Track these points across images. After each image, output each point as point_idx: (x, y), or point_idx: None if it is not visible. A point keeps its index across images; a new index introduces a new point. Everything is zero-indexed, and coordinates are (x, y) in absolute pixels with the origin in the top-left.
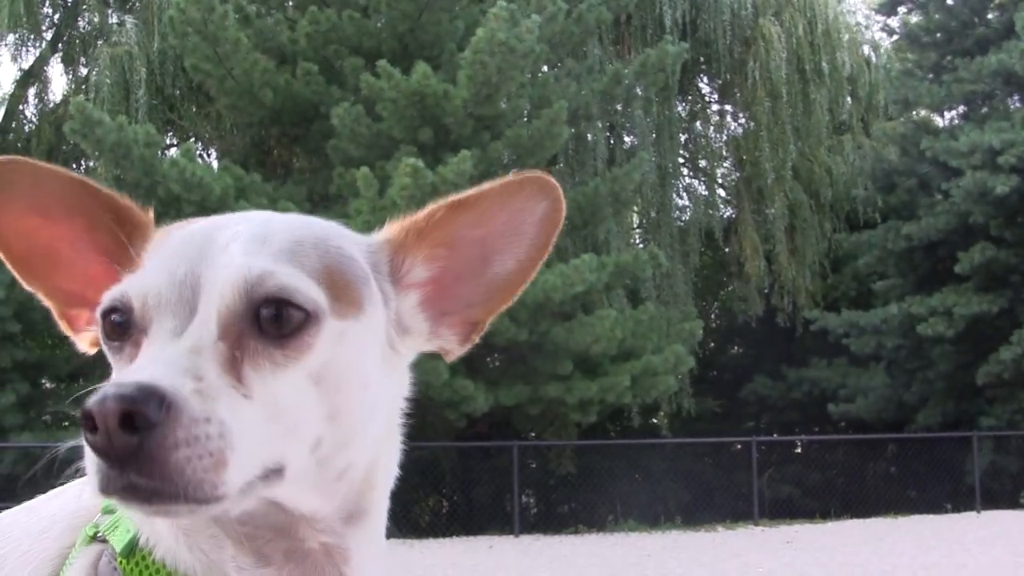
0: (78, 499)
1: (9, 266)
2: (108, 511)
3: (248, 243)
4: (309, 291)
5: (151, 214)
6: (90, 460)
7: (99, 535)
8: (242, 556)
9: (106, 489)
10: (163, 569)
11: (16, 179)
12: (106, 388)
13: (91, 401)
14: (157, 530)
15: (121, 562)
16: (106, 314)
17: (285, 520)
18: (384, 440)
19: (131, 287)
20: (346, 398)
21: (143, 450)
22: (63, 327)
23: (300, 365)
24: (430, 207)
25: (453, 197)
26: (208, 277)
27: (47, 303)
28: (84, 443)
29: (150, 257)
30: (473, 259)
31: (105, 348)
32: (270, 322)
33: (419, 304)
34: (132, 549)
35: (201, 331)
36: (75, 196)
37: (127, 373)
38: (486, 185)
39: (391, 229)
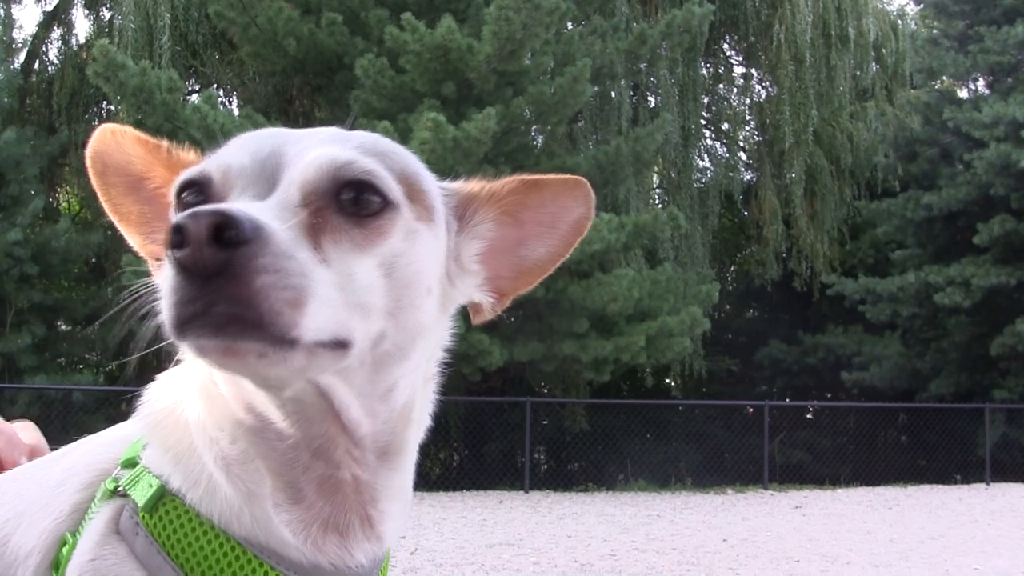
0: (94, 453)
1: (116, 224)
2: (128, 464)
3: (331, 136)
4: (389, 181)
5: None
6: (169, 287)
7: (119, 489)
8: (278, 492)
9: (181, 316)
10: (195, 517)
11: (111, 147)
12: (194, 208)
13: (181, 216)
14: (194, 472)
15: (143, 517)
16: (181, 190)
17: (325, 433)
18: (424, 382)
19: (211, 163)
20: (412, 297)
21: (230, 267)
22: (154, 274)
23: (375, 249)
24: (505, 179)
25: (525, 176)
26: (293, 156)
27: (142, 253)
28: (164, 270)
29: (224, 148)
30: (512, 236)
31: None
32: (350, 203)
33: (480, 257)
34: (156, 503)
35: (284, 196)
36: (151, 156)
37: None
38: (548, 176)
39: (466, 183)
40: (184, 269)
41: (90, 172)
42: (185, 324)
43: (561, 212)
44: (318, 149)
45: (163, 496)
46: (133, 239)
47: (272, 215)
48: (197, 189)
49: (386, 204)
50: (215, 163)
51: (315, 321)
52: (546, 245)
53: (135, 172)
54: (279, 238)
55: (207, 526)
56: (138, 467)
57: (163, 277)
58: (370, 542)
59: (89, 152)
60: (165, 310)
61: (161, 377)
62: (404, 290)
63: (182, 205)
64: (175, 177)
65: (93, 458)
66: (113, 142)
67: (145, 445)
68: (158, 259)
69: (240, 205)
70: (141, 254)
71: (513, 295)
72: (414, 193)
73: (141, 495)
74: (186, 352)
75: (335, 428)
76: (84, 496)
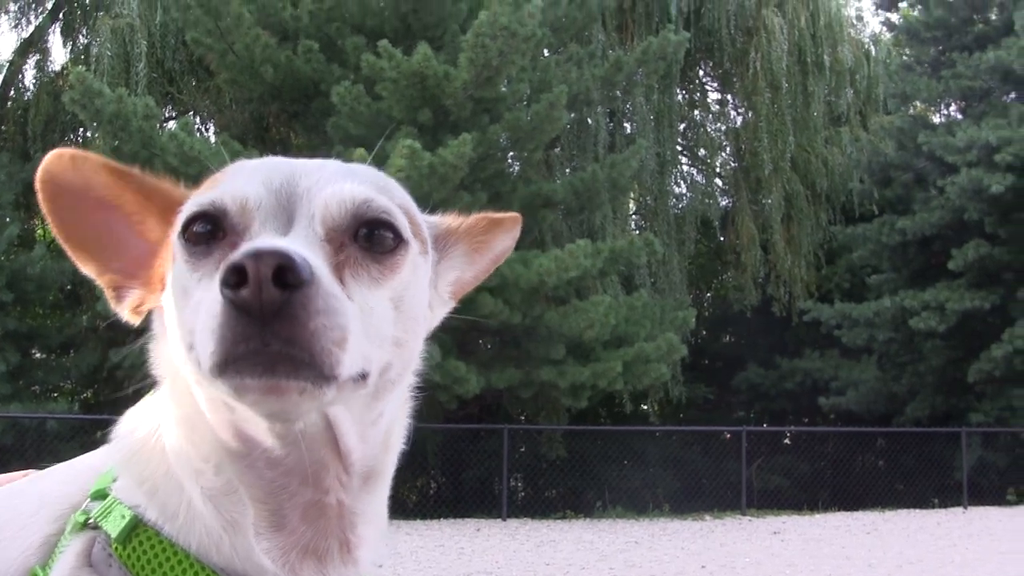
0: (64, 483)
1: (69, 252)
2: (98, 496)
3: (340, 169)
4: (403, 219)
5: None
6: (219, 324)
7: (90, 521)
8: (260, 520)
9: (233, 354)
10: (170, 547)
11: (67, 171)
12: (250, 246)
13: (239, 255)
14: (171, 502)
15: (116, 548)
16: (190, 222)
17: (320, 460)
18: (402, 404)
19: (223, 193)
20: (413, 327)
21: (289, 307)
22: (111, 303)
23: (389, 284)
24: (477, 216)
25: (491, 214)
26: (307, 187)
27: (99, 282)
28: (216, 307)
29: (227, 177)
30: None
31: (185, 257)
32: (367, 239)
33: (451, 287)
34: (129, 534)
35: (309, 231)
36: (121, 183)
37: (254, 243)
38: (501, 214)
39: (444, 217)
40: (243, 308)
41: (40, 196)
42: (230, 363)
43: (499, 242)
44: (335, 184)
45: (136, 527)
46: (87, 267)
47: (306, 250)
48: (208, 220)
49: (399, 241)
50: (229, 194)
51: (351, 356)
52: (475, 269)
53: (93, 198)
54: (327, 278)
55: (182, 555)
56: (109, 499)
57: (207, 313)
58: (346, 567)
59: (40, 175)
60: (209, 347)
61: (134, 407)
62: (409, 321)
63: (193, 236)
64: (148, 203)
65: (64, 488)
66: (70, 166)
67: (116, 476)
68: (117, 288)
69: (282, 242)
70: (98, 283)
71: None
72: (415, 226)
73: (113, 526)
74: (218, 391)
75: (331, 454)
76: (54, 529)
